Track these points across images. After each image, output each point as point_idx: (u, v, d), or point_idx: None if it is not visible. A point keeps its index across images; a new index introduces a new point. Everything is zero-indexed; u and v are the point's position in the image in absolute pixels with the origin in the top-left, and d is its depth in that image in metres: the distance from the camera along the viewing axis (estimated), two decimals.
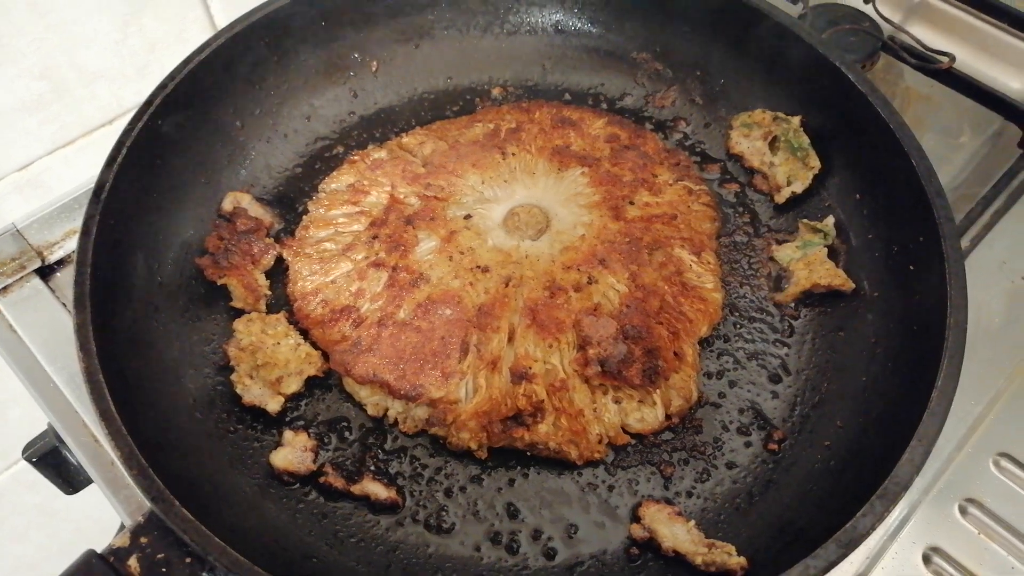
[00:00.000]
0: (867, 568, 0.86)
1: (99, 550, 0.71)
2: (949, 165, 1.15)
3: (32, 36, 1.10)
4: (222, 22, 1.29)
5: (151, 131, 0.93)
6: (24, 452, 1.05)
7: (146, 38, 1.22)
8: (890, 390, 0.85)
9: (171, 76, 0.95)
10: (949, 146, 1.18)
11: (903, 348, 0.86)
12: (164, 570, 0.69)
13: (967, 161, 1.16)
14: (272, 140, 1.08)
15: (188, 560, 0.69)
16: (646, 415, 0.87)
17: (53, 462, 1.06)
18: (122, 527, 1.20)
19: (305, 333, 0.92)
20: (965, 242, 1.06)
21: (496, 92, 1.16)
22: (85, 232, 0.83)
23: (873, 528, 0.69)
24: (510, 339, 0.88)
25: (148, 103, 0.93)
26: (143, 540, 0.70)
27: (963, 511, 0.88)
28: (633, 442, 0.87)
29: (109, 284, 0.84)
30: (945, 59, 1.18)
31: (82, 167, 1.28)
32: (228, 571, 0.66)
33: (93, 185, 0.89)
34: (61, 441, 1.00)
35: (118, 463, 0.90)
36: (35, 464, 1.06)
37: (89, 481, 1.05)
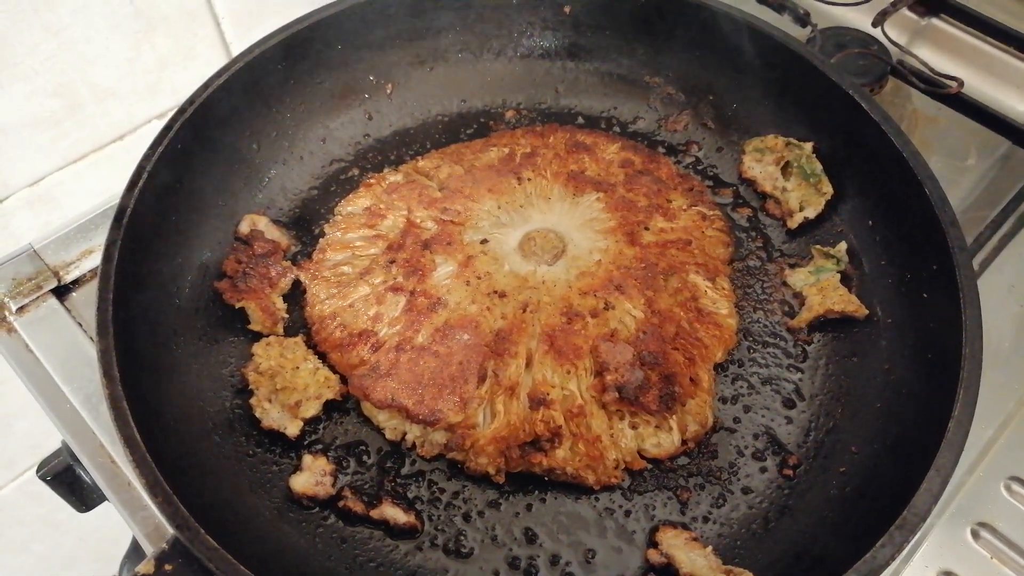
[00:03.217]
0: None
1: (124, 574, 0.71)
2: (956, 188, 1.16)
3: (46, 54, 1.11)
4: (233, 39, 1.30)
5: (170, 155, 0.93)
6: (39, 471, 1.05)
7: (157, 55, 1.23)
8: (905, 417, 0.86)
9: (190, 100, 0.96)
10: (956, 169, 1.19)
11: (917, 375, 0.87)
12: None
13: (974, 184, 1.18)
14: (288, 162, 1.09)
15: None
16: (662, 440, 0.87)
17: (67, 480, 1.06)
18: (132, 544, 1.21)
19: (323, 356, 0.93)
20: (974, 265, 1.07)
21: (510, 115, 1.17)
22: (107, 258, 0.84)
23: (893, 558, 0.70)
24: (528, 365, 0.89)
25: (168, 127, 0.93)
26: (168, 567, 0.70)
27: (975, 535, 0.89)
28: (649, 467, 0.88)
29: (130, 309, 0.84)
30: (953, 84, 1.19)
31: (92, 183, 1.29)
32: None
33: (112, 206, 0.89)
34: (76, 460, 1.00)
35: (138, 487, 0.92)
36: (49, 482, 1.06)
37: (102, 500, 1.05)
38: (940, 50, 1.31)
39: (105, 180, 1.31)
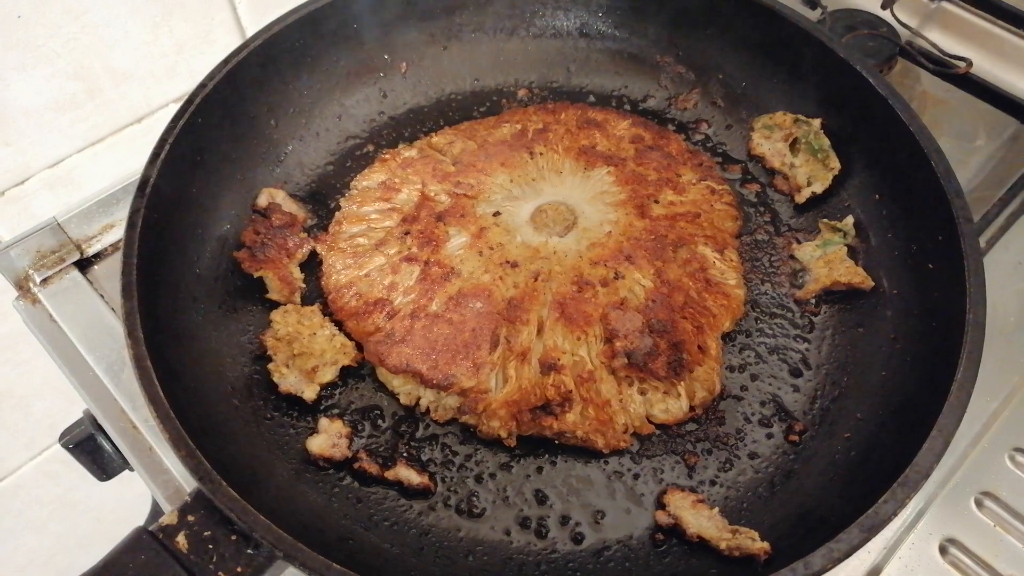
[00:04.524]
0: (885, 558, 0.88)
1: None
2: (965, 168, 1.17)
3: (66, 37, 1.13)
4: (249, 24, 1.32)
5: (191, 128, 0.95)
6: (61, 438, 1.08)
7: (175, 39, 1.25)
8: (909, 384, 0.87)
9: (211, 75, 0.98)
10: (965, 149, 1.20)
11: (922, 344, 0.89)
12: (211, 546, 0.71)
13: (983, 164, 1.19)
14: (305, 138, 1.11)
15: (234, 538, 0.71)
16: (671, 406, 0.89)
17: (88, 449, 1.08)
18: (151, 514, 1.23)
19: (339, 325, 0.95)
20: (981, 243, 1.08)
21: (522, 94, 1.19)
22: (131, 224, 0.86)
23: (895, 514, 0.71)
24: (539, 331, 0.90)
25: (189, 101, 0.96)
26: (190, 518, 0.72)
27: (979, 504, 0.90)
28: (658, 432, 0.90)
29: (152, 275, 0.87)
30: (962, 64, 1.20)
31: (110, 165, 1.31)
32: (273, 548, 0.69)
33: (133, 181, 0.92)
34: (98, 428, 1.02)
35: (158, 448, 0.94)
36: (71, 450, 1.08)
37: (123, 468, 1.08)
38: (949, 32, 1.32)
39: (123, 162, 1.33)
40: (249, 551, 0.71)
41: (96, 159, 1.30)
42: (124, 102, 1.26)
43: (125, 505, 1.75)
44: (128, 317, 0.80)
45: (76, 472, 1.13)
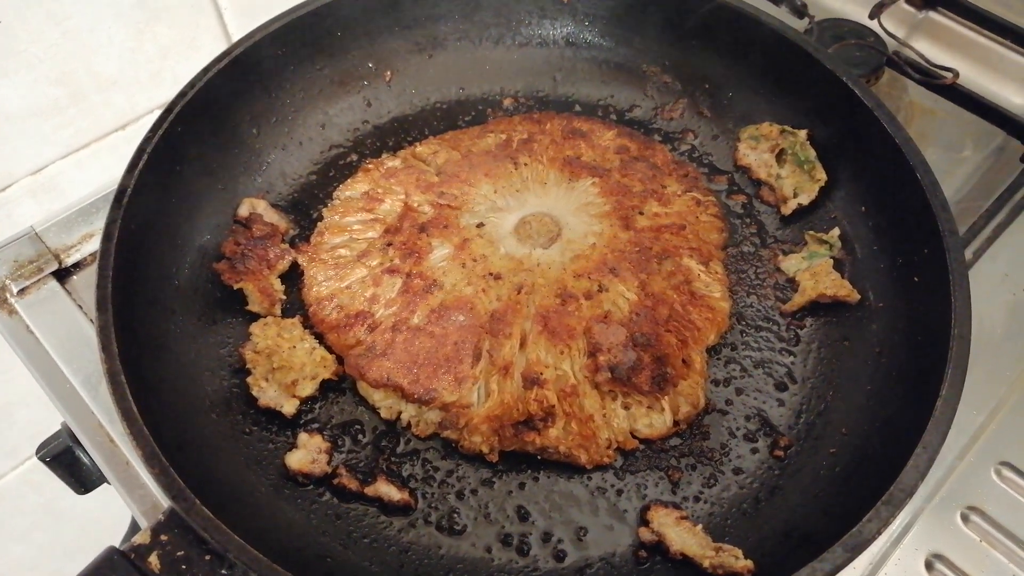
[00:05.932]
0: (871, 573, 0.87)
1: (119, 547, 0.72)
2: (952, 179, 1.16)
3: (49, 42, 1.12)
4: (234, 30, 1.31)
5: (171, 137, 0.94)
6: (38, 452, 1.06)
7: (160, 45, 1.24)
8: (894, 399, 0.86)
9: (191, 84, 0.97)
10: (952, 160, 1.20)
11: (907, 358, 0.88)
12: (184, 567, 0.70)
13: (970, 175, 1.18)
14: (287, 148, 1.10)
15: (207, 557, 0.70)
16: (654, 421, 0.88)
17: (66, 462, 1.07)
18: (131, 527, 1.22)
19: (320, 337, 0.94)
20: (968, 254, 1.07)
21: (507, 103, 1.18)
22: (107, 236, 0.85)
23: (879, 533, 0.70)
24: (522, 345, 0.89)
25: (168, 110, 0.95)
26: (163, 537, 0.71)
27: (965, 519, 0.90)
28: (641, 447, 0.89)
29: (129, 287, 0.86)
30: (949, 75, 1.20)
31: (94, 172, 1.30)
32: (247, 568, 0.68)
33: (113, 190, 0.90)
34: (75, 441, 1.01)
35: (134, 463, 0.93)
36: (48, 464, 1.07)
37: (101, 481, 1.06)
38: (937, 43, 1.32)
39: (107, 169, 1.32)
40: (223, 572, 0.70)
41: (80, 166, 1.28)
42: (108, 108, 1.25)
43: (110, 515, 1.73)
44: (103, 331, 0.78)
45: (59, 482, 1.12)
